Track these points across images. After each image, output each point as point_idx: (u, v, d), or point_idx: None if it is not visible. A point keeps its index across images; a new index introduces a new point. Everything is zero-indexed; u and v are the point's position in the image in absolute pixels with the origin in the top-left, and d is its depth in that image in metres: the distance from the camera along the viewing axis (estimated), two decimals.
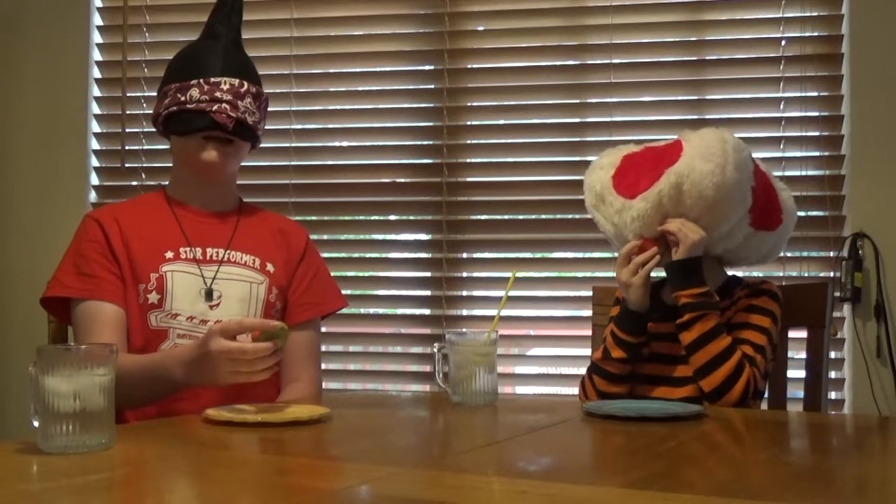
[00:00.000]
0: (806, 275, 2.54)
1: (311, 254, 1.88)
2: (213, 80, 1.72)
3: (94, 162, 2.95)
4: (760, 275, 2.35)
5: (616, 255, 1.83)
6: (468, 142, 2.84)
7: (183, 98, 1.72)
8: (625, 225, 1.78)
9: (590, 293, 2.14)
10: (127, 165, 2.92)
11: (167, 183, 1.85)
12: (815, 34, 2.59)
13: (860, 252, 2.46)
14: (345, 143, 2.92)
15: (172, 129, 1.75)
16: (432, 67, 2.84)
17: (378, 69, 2.86)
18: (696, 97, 2.71)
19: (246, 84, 1.75)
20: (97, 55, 2.97)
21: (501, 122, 2.82)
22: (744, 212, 1.74)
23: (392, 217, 2.86)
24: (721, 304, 1.74)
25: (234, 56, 1.78)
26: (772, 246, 1.87)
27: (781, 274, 2.53)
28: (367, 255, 2.97)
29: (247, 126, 1.74)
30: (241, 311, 1.73)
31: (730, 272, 1.91)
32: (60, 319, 1.77)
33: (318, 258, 1.92)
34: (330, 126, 2.92)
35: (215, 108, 1.70)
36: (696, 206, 1.69)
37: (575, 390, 1.92)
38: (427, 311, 2.79)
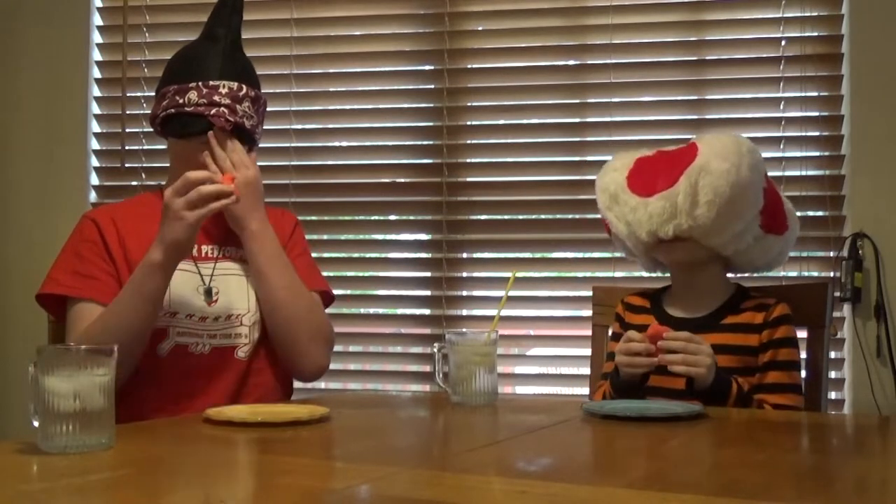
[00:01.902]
0: (806, 275, 2.54)
1: (297, 236, 1.90)
2: (211, 83, 1.72)
3: (94, 162, 2.95)
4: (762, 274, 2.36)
5: (618, 254, 1.83)
6: (468, 142, 2.84)
7: (181, 101, 1.72)
8: (640, 223, 1.81)
9: (590, 293, 2.15)
10: (127, 165, 2.92)
11: (164, 183, 1.85)
12: (815, 34, 2.59)
13: (860, 252, 2.46)
14: (345, 143, 2.92)
15: (170, 131, 1.75)
16: (432, 67, 2.84)
17: (378, 69, 2.86)
18: (696, 97, 2.71)
19: (245, 88, 1.75)
20: (97, 55, 2.97)
21: (501, 122, 2.81)
22: (756, 212, 1.77)
23: (392, 217, 2.86)
24: (729, 321, 1.79)
25: (233, 59, 1.78)
26: (778, 252, 1.89)
27: (781, 274, 2.53)
28: (367, 255, 2.97)
29: (244, 130, 1.74)
30: (238, 304, 1.74)
31: (732, 276, 1.93)
32: (57, 318, 1.77)
33: (304, 243, 1.92)
34: (330, 126, 2.91)
35: (213, 111, 1.70)
36: (712, 204, 1.72)
37: (575, 390, 1.92)
38: (427, 311, 2.79)
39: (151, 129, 1.83)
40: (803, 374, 1.89)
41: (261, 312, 1.74)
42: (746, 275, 2.00)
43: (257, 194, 1.74)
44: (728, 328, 1.79)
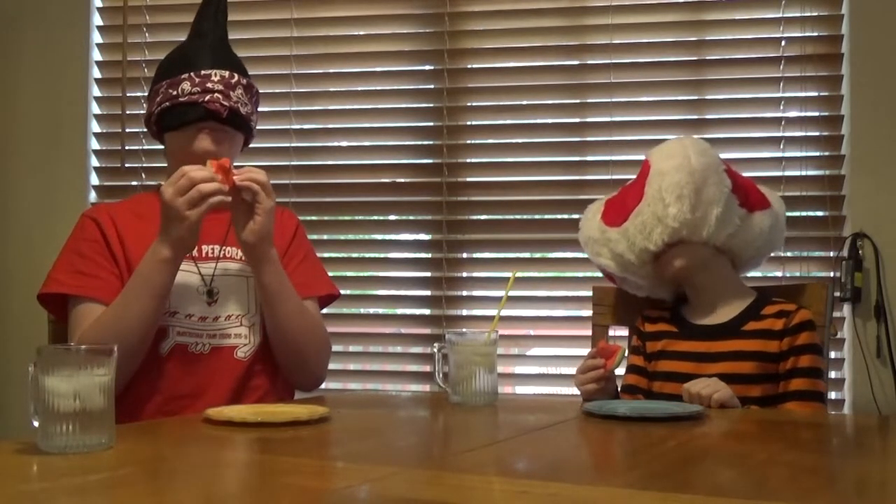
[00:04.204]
0: (806, 275, 2.54)
1: (300, 238, 1.89)
2: (203, 72, 1.72)
3: (94, 162, 2.95)
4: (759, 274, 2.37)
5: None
6: (468, 142, 2.84)
7: (175, 92, 1.72)
8: (626, 249, 1.84)
9: (590, 293, 2.14)
10: (127, 165, 2.92)
11: (163, 183, 1.85)
12: (815, 34, 2.59)
13: (860, 252, 2.46)
14: (345, 143, 2.92)
15: (166, 124, 1.75)
16: (432, 67, 2.84)
17: (378, 69, 2.86)
18: (696, 97, 2.71)
19: (236, 76, 1.75)
20: (97, 55, 2.97)
21: (501, 122, 2.81)
22: (727, 192, 1.80)
23: (392, 217, 2.86)
24: (750, 327, 1.79)
25: (222, 51, 1.79)
26: (770, 225, 1.87)
27: (781, 274, 2.53)
28: (367, 255, 2.97)
29: (240, 115, 1.74)
30: (238, 306, 1.74)
31: (742, 274, 1.93)
32: (58, 318, 1.77)
33: (308, 244, 1.92)
34: (330, 126, 2.91)
35: (207, 98, 1.70)
36: (682, 198, 1.76)
37: (575, 390, 1.92)
38: (427, 311, 2.79)
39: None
40: None
41: (261, 314, 1.74)
42: (757, 273, 2.00)
43: (272, 223, 1.69)
44: (749, 334, 1.79)
